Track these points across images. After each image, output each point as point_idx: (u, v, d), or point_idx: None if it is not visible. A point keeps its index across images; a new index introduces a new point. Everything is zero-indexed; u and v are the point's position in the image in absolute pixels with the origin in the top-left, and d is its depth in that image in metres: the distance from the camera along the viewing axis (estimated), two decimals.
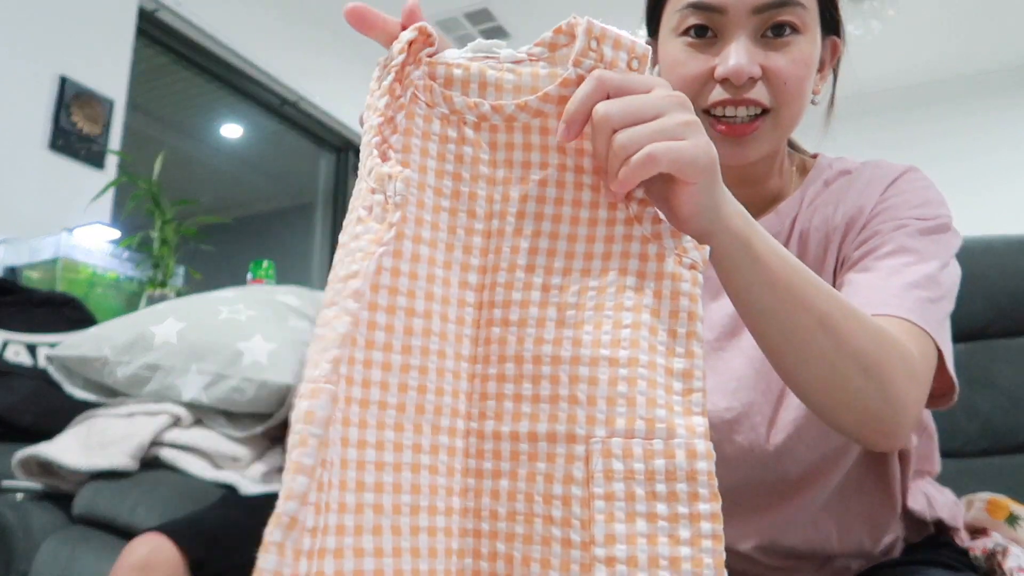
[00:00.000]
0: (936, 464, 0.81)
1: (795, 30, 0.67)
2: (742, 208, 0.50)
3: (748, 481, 0.72)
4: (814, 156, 0.80)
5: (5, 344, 1.47)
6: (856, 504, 0.73)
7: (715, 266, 0.51)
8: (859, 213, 0.69)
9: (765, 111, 0.67)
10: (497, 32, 4.03)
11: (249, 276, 2.08)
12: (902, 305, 0.59)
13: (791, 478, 0.71)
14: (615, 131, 0.45)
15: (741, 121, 0.67)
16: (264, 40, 3.49)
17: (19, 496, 1.19)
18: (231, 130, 4.53)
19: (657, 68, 0.75)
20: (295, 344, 1.30)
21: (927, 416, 0.80)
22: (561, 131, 0.47)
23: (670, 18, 0.71)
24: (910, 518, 0.76)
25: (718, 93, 0.67)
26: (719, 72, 0.66)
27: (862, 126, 4.53)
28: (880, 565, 0.75)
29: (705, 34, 0.68)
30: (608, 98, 0.46)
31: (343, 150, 4.17)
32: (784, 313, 0.51)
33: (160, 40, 3.11)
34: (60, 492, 1.19)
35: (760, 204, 0.75)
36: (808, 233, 0.72)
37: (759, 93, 0.66)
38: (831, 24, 0.74)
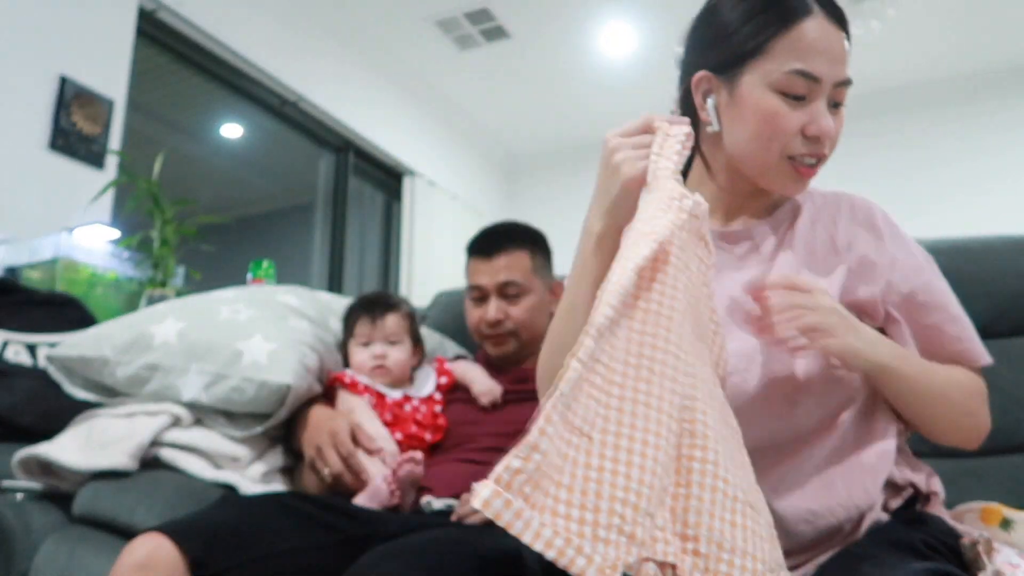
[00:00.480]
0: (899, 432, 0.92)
1: (842, 103, 0.88)
2: (880, 339, 0.84)
3: (770, 435, 0.84)
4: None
5: (5, 344, 1.47)
6: (853, 460, 0.86)
7: (875, 383, 0.85)
8: (867, 253, 0.92)
9: (820, 159, 0.88)
10: (497, 32, 4.04)
11: (249, 276, 2.08)
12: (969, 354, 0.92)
13: (803, 432, 0.85)
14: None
15: (811, 166, 0.88)
16: (264, 40, 3.49)
17: (19, 496, 1.19)
18: (231, 130, 4.53)
19: (715, 98, 0.89)
20: (295, 344, 1.29)
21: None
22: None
23: (768, 74, 0.84)
24: (888, 483, 0.87)
25: (802, 144, 0.86)
26: (812, 131, 0.85)
27: (862, 126, 4.53)
28: (857, 543, 0.81)
29: (800, 97, 0.85)
30: None
31: (343, 150, 4.17)
32: (923, 401, 0.86)
33: (160, 40, 3.10)
34: (60, 492, 1.19)
35: (762, 209, 0.96)
36: (813, 242, 0.92)
37: (827, 147, 0.87)
38: None
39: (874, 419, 0.88)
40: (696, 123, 0.89)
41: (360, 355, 1.40)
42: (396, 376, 1.40)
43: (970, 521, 0.88)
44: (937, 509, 0.90)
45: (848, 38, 0.87)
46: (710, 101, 0.89)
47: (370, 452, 1.22)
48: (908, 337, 0.90)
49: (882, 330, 0.89)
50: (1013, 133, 4.25)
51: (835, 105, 0.87)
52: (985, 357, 0.92)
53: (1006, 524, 0.84)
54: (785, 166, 0.86)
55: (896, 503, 0.87)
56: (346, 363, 1.45)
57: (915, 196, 4.36)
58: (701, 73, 0.89)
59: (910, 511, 0.87)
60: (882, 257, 0.91)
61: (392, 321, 1.43)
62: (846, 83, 0.86)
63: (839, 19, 0.85)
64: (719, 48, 0.88)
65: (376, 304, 1.45)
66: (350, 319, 1.46)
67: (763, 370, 0.85)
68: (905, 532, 0.79)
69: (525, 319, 1.45)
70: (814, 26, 0.83)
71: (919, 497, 0.89)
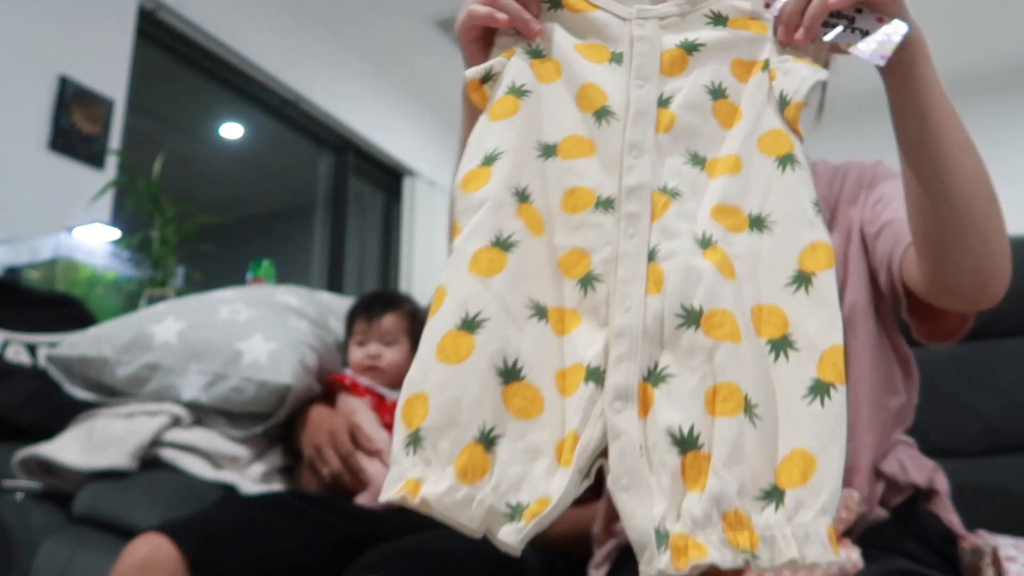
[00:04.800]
0: (909, 419, 0.87)
1: None
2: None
3: None
4: None
5: (5, 344, 1.47)
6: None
7: (895, 73, 0.63)
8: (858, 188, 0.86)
9: None
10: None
11: (249, 276, 2.08)
12: None
13: None
14: None
15: None
16: (264, 40, 3.49)
17: (19, 496, 1.19)
18: (231, 130, 4.53)
19: None
20: (295, 344, 1.29)
21: (911, 360, 0.86)
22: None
23: None
24: (886, 481, 0.83)
25: None
26: None
27: (862, 126, 4.53)
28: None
29: None
30: None
31: (343, 150, 4.17)
32: (947, 127, 0.67)
33: (160, 40, 3.10)
34: (60, 492, 1.19)
35: None
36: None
37: None
38: None
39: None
40: None
41: (356, 354, 1.40)
42: (389, 377, 1.38)
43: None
44: (940, 507, 0.88)
45: None
46: None
47: (369, 453, 1.22)
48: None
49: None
50: (1013, 133, 4.26)
51: None
52: None
53: None
54: None
55: (897, 500, 0.86)
56: (346, 363, 1.45)
57: None
58: None
59: (909, 509, 0.85)
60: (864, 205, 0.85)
61: (389, 321, 1.40)
62: None
63: None
64: None
65: (375, 303, 1.43)
66: (350, 317, 1.44)
67: None
68: (897, 537, 0.77)
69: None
70: None
71: (920, 495, 0.88)
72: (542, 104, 0.57)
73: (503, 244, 0.51)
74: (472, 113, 0.64)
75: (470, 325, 0.49)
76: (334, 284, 4.03)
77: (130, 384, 1.24)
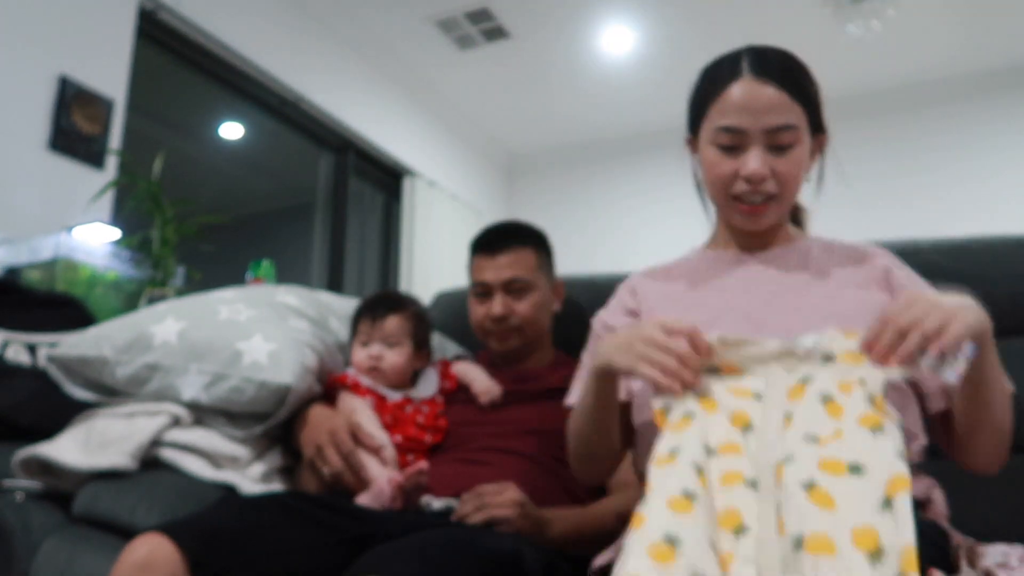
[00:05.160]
0: (922, 437, 0.95)
1: (792, 144, 0.99)
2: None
3: None
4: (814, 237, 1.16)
5: (5, 344, 1.47)
6: None
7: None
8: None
9: (772, 197, 1.00)
10: (497, 32, 4.04)
11: (249, 276, 2.08)
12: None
13: None
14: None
15: (757, 204, 1.01)
16: (264, 40, 3.49)
17: (19, 496, 1.19)
18: (231, 130, 4.53)
19: (698, 155, 1.07)
20: (295, 344, 1.29)
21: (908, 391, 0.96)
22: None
23: (707, 131, 1.02)
24: None
25: (741, 185, 1.00)
26: (744, 173, 0.99)
27: (862, 126, 4.53)
28: None
29: (733, 148, 1.00)
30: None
31: (343, 150, 4.17)
32: (996, 379, 0.87)
33: (160, 40, 3.10)
34: (60, 492, 1.19)
35: (769, 240, 1.10)
36: (828, 268, 1.04)
37: (769, 186, 0.99)
38: (818, 126, 1.04)
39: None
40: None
41: (358, 354, 1.40)
42: (390, 379, 1.38)
43: None
44: (935, 516, 0.91)
45: (788, 88, 0.98)
46: (696, 156, 1.08)
47: (370, 450, 1.22)
48: None
49: None
50: (1013, 133, 4.25)
51: (779, 148, 0.98)
52: None
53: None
54: (733, 205, 1.02)
55: None
56: (348, 363, 1.45)
57: (915, 196, 4.35)
58: (687, 136, 1.10)
59: None
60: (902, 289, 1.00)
61: (392, 323, 1.41)
62: (782, 127, 0.98)
63: (771, 74, 0.98)
64: (690, 114, 1.08)
65: (379, 304, 1.44)
66: (355, 318, 1.45)
67: None
68: None
69: (530, 315, 1.45)
70: (739, 87, 0.99)
71: (917, 505, 0.90)
72: (706, 424, 0.80)
73: (689, 495, 0.72)
74: (602, 391, 0.95)
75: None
76: (334, 284, 4.03)
77: (130, 384, 1.24)
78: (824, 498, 0.67)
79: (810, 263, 1.05)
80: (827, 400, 0.78)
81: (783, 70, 0.99)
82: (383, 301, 1.45)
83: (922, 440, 0.93)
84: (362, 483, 1.18)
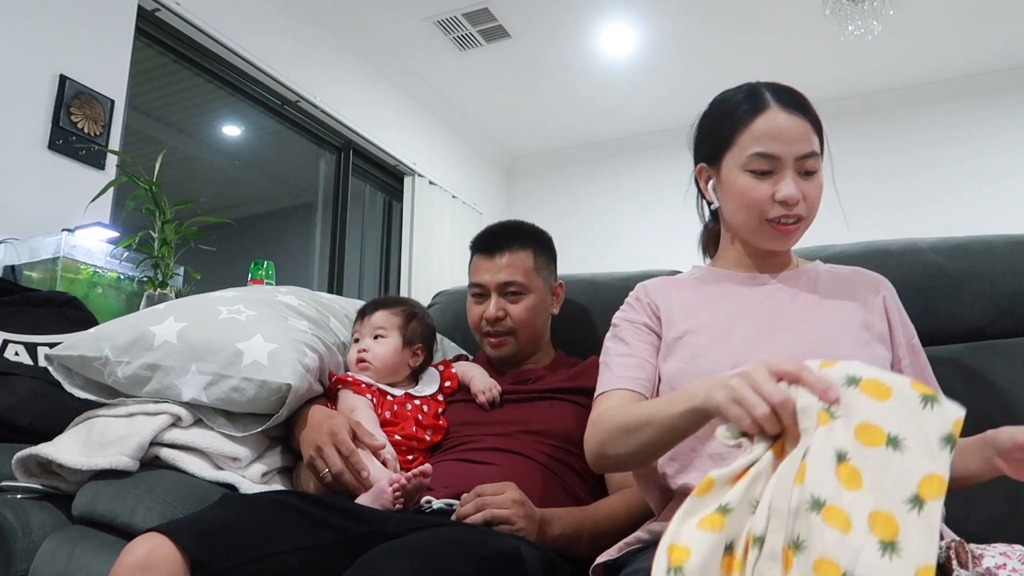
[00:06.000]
0: None
1: (816, 170, 1.07)
2: None
3: None
4: (815, 259, 1.24)
5: (5, 344, 1.47)
6: None
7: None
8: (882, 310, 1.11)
9: (800, 219, 1.07)
10: (497, 32, 4.04)
11: (249, 276, 2.08)
12: None
13: None
14: None
15: (790, 225, 1.07)
16: (264, 40, 3.49)
17: (19, 496, 1.19)
18: (231, 130, 4.53)
19: (713, 181, 1.13)
20: (295, 344, 1.29)
21: None
22: None
23: (736, 159, 1.08)
24: None
25: (777, 209, 1.06)
26: (779, 197, 1.05)
27: (862, 126, 4.53)
28: None
29: (767, 174, 1.05)
30: None
31: (343, 150, 4.17)
32: None
33: (160, 40, 3.11)
34: (60, 492, 1.19)
35: (778, 266, 1.16)
36: (834, 291, 1.12)
37: (800, 208, 1.06)
38: (823, 147, 1.12)
39: None
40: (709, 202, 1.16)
41: (351, 352, 1.44)
42: (379, 371, 1.40)
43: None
44: None
45: (808, 118, 1.07)
46: (711, 184, 1.13)
47: (371, 449, 1.22)
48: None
49: None
50: (1013, 133, 4.26)
51: (806, 174, 1.06)
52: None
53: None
54: (766, 228, 1.07)
55: None
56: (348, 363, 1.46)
57: (915, 195, 4.35)
58: (700, 165, 1.15)
59: None
60: (895, 321, 1.10)
61: (379, 316, 1.44)
62: (810, 155, 1.05)
63: (795, 106, 1.06)
64: (708, 144, 1.13)
65: (371, 304, 1.49)
66: (354, 322, 1.50)
67: None
68: None
69: (524, 318, 1.45)
70: (769, 117, 1.05)
71: None
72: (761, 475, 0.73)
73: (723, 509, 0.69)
74: (690, 426, 0.88)
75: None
76: (334, 284, 4.03)
77: (130, 384, 1.24)
78: (852, 474, 0.64)
79: (819, 286, 1.12)
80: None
81: (802, 103, 1.08)
82: (375, 301, 1.50)
83: None
84: (362, 484, 1.17)
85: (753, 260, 1.16)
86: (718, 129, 1.11)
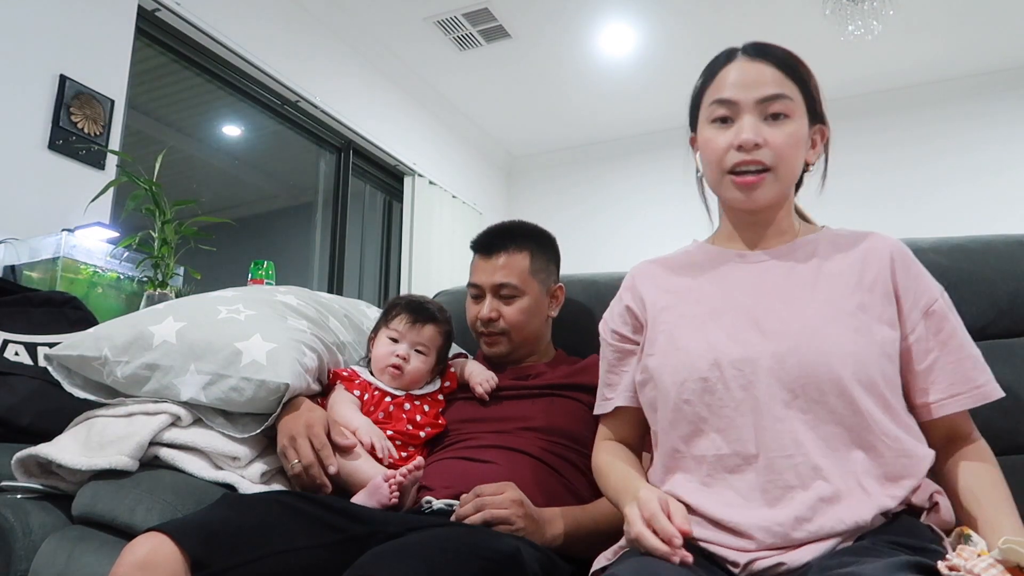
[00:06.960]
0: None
1: (785, 115, 1.00)
2: None
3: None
4: (822, 226, 1.12)
5: (5, 344, 1.47)
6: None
7: None
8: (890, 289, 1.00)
9: (767, 169, 0.99)
10: (497, 32, 4.04)
11: (249, 276, 2.08)
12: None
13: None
14: None
15: (751, 175, 0.99)
16: (264, 40, 3.49)
17: (19, 496, 1.19)
18: (231, 130, 4.53)
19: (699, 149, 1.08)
20: (294, 344, 1.29)
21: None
22: None
23: (703, 113, 1.05)
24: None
25: (735, 156, 1.00)
26: (736, 141, 0.99)
27: (862, 126, 4.53)
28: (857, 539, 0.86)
29: (727, 121, 1.01)
30: None
31: (343, 150, 4.17)
32: None
33: (160, 40, 3.11)
34: (60, 492, 1.19)
35: (773, 238, 1.07)
36: (833, 267, 1.02)
37: (763, 155, 0.98)
38: (818, 116, 1.05)
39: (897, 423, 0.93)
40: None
41: (384, 348, 1.40)
42: (405, 382, 1.39)
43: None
44: (939, 522, 0.92)
45: (782, 68, 1.01)
46: (698, 153, 1.09)
47: (342, 448, 1.21)
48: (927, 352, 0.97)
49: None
50: (1013, 133, 4.25)
51: (773, 116, 0.99)
52: (999, 391, 0.98)
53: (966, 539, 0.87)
54: (727, 181, 1.01)
55: (897, 510, 0.90)
56: (347, 362, 1.45)
57: (915, 196, 4.35)
58: (691, 136, 1.11)
59: (901, 517, 0.89)
60: (905, 291, 0.99)
61: (430, 331, 1.41)
62: (773, 97, 0.99)
63: (760, 53, 1.02)
64: (691, 110, 1.10)
65: (423, 310, 1.44)
66: (392, 312, 1.44)
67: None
68: (894, 534, 0.83)
69: (518, 321, 1.45)
70: (733, 68, 1.03)
71: (915, 511, 0.92)
72: None
73: None
74: None
75: None
76: (334, 284, 4.03)
77: (129, 384, 1.24)
78: None
79: (813, 261, 1.02)
80: None
81: (778, 54, 1.03)
82: (427, 308, 1.45)
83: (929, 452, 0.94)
84: (325, 482, 1.17)
85: (744, 231, 1.08)
86: (695, 92, 1.09)
